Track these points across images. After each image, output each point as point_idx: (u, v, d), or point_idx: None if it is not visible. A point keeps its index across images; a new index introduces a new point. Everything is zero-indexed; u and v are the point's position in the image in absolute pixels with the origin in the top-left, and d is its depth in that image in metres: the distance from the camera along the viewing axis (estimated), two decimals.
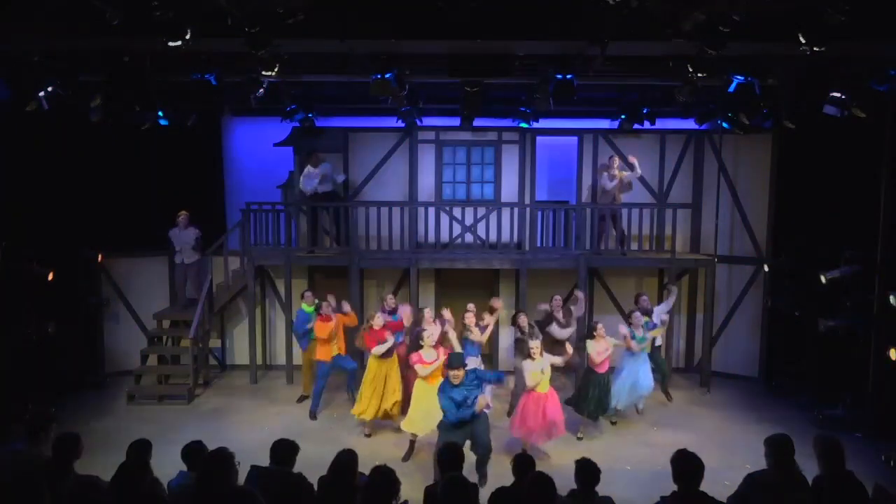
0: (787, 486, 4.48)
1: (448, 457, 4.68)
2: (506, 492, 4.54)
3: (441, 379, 7.60)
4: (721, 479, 5.71)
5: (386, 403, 8.75)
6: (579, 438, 8.80)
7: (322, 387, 9.63)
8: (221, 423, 9.33)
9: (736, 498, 4.63)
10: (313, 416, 9.59)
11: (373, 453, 7.53)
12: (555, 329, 9.32)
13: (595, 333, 8.65)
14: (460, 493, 3.87)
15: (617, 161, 11.23)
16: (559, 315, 9.57)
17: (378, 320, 8.91)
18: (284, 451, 4.86)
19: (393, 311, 9.63)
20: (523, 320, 9.18)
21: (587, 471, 4.59)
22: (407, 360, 8.81)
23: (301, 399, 10.27)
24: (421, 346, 8.06)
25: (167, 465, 5.19)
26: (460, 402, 6.95)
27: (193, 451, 4.90)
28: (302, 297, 10.26)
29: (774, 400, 10.46)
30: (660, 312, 9.84)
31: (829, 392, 9.67)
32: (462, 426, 6.99)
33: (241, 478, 4.52)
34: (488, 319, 9.25)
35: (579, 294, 10.04)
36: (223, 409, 10.04)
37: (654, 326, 9.36)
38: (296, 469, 4.86)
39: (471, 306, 9.32)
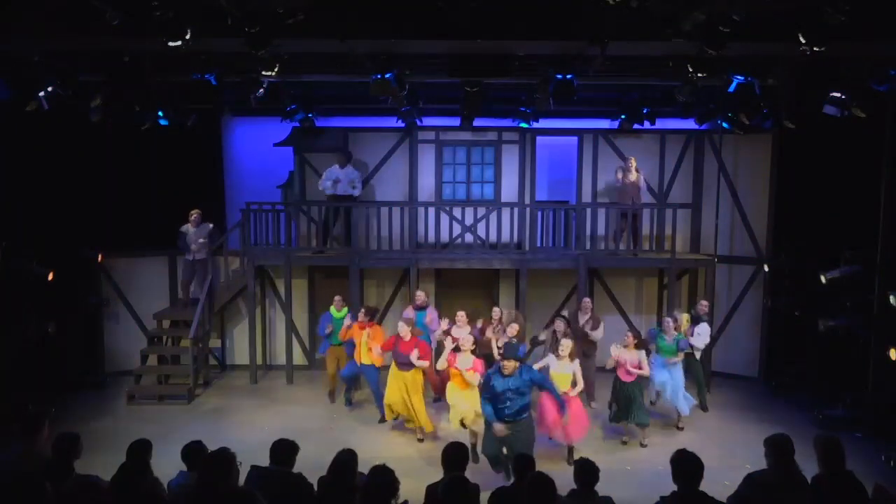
0: (787, 486, 4.48)
1: (452, 456, 4.67)
2: (506, 492, 4.54)
3: (471, 387, 7.66)
4: (721, 479, 5.70)
5: (406, 411, 8.59)
6: (623, 442, 8.72)
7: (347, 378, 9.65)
8: (221, 423, 9.33)
9: (736, 498, 4.63)
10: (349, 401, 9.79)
11: (373, 451, 7.52)
12: (588, 331, 9.56)
13: (625, 343, 8.57)
14: (461, 493, 3.87)
15: (634, 162, 11.22)
16: (586, 318, 9.77)
17: (405, 331, 8.57)
18: (284, 451, 4.85)
19: (421, 308, 9.61)
20: (560, 326, 9.12)
21: (587, 471, 4.59)
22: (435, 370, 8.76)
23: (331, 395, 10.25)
24: (459, 349, 7.92)
25: (167, 465, 5.19)
26: (500, 392, 6.80)
27: (193, 451, 4.90)
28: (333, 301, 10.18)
29: (774, 400, 10.46)
30: (701, 336, 9.66)
31: (829, 392, 9.67)
32: (505, 426, 6.87)
33: (242, 478, 4.52)
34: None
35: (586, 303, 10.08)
36: (223, 409, 10.04)
37: (685, 347, 9.12)
38: (296, 469, 4.85)
39: (496, 310, 9.55)
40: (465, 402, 7.79)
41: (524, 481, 4.26)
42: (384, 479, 4.03)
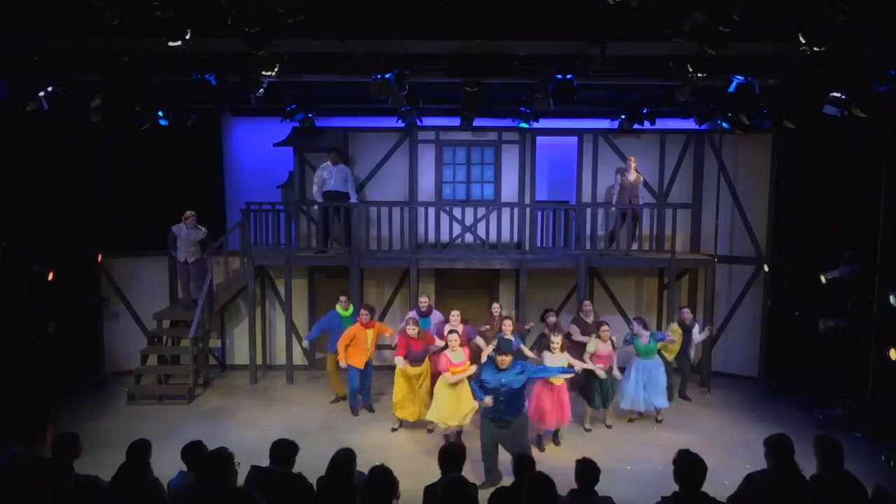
0: (787, 486, 4.48)
1: (449, 456, 4.68)
2: (506, 492, 4.54)
3: (462, 382, 7.87)
4: (721, 479, 5.71)
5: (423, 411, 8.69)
6: (587, 430, 8.99)
7: (356, 389, 9.57)
8: (221, 423, 9.32)
9: (736, 498, 4.62)
10: (355, 411, 9.63)
11: (373, 451, 7.53)
12: (574, 330, 9.72)
13: (598, 334, 8.84)
14: (460, 493, 3.87)
15: (634, 162, 11.22)
16: (588, 319, 9.83)
17: (412, 329, 8.75)
18: (284, 451, 4.85)
19: (425, 315, 9.54)
20: (551, 319, 9.36)
21: (587, 471, 4.58)
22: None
23: (336, 400, 10.17)
24: (446, 347, 8.12)
25: (167, 465, 5.19)
26: (493, 389, 6.90)
27: (193, 451, 4.89)
28: (338, 300, 10.18)
29: (774, 400, 10.46)
30: (696, 336, 9.94)
31: (829, 392, 9.67)
32: (499, 423, 7.00)
33: (241, 478, 4.52)
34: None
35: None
36: (223, 409, 10.04)
37: (663, 339, 9.32)
38: (296, 469, 4.86)
39: (496, 306, 9.60)
40: (450, 402, 7.95)
41: (524, 481, 4.26)
42: (384, 478, 4.03)
